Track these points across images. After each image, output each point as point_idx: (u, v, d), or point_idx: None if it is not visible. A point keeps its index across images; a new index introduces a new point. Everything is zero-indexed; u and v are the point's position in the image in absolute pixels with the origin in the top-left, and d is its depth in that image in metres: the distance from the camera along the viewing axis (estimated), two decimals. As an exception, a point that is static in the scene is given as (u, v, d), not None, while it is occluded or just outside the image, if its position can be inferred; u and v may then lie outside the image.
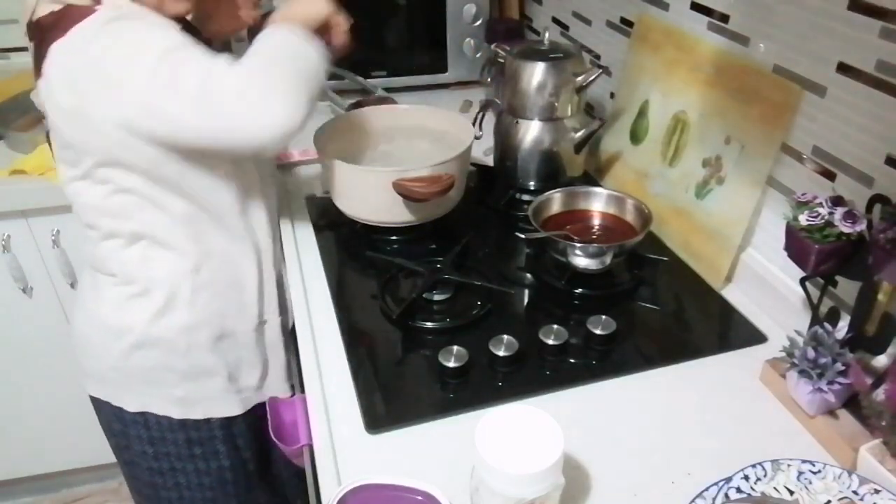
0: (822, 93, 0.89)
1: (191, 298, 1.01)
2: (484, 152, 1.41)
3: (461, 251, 1.12)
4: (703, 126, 1.11)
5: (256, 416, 1.13)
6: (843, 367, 0.77)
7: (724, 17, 1.06)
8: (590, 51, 1.46)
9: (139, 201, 0.95)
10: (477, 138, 1.23)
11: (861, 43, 0.82)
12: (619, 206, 1.14)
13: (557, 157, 1.25)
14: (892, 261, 0.74)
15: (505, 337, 0.92)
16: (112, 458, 1.14)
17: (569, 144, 1.25)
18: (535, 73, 1.20)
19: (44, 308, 1.56)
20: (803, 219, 0.82)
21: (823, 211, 0.81)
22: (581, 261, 1.04)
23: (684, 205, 1.14)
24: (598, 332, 0.94)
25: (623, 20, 1.34)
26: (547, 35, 1.25)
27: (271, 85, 0.85)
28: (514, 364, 0.91)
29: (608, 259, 1.03)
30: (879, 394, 0.75)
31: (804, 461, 0.75)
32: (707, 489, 0.73)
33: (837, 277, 0.85)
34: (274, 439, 1.03)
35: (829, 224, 0.81)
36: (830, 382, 0.77)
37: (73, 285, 1.54)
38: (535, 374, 0.92)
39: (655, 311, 1.05)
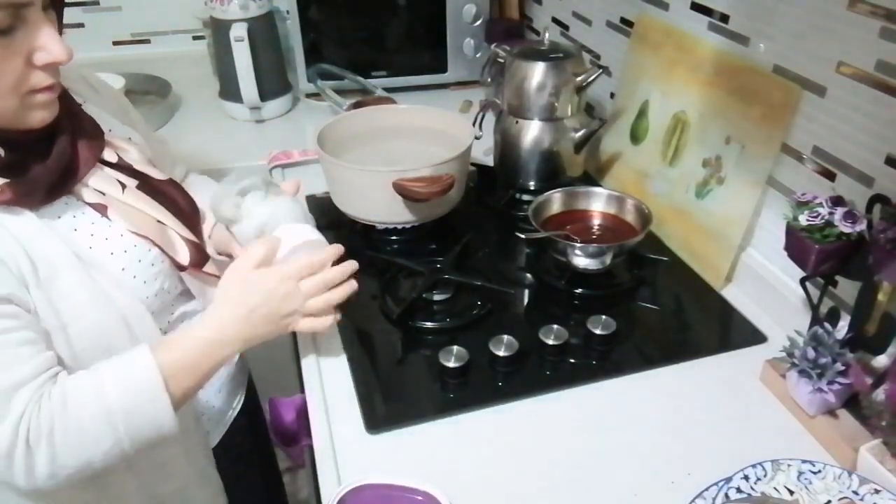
0: (822, 93, 0.89)
1: None
2: (484, 152, 1.41)
3: (461, 251, 1.12)
4: (703, 126, 1.11)
5: None
6: (843, 367, 0.77)
7: (724, 17, 1.06)
8: (590, 51, 1.46)
9: None
10: (477, 138, 1.23)
11: (861, 43, 0.82)
12: (619, 206, 1.14)
13: (557, 157, 1.25)
14: (892, 261, 0.74)
15: (505, 337, 0.92)
16: None
17: (569, 144, 1.24)
18: (535, 73, 1.20)
19: None
20: (803, 219, 0.82)
21: (823, 211, 0.81)
22: (581, 261, 1.04)
23: (684, 205, 1.14)
24: (598, 332, 0.94)
25: (623, 20, 1.34)
26: (547, 35, 1.25)
27: (59, 454, 0.66)
28: (514, 364, 0.91)
29: (608, 259, 1.03)
30: (879, 394, 0.75)
31: (804, 461, 0.75)
32: (707, 489, 0.73)
33: (837, 277, 0.85)
34: (274, 439, 1.03)
35: (829, 224, 0.81)
36: (830, 382, 0.77)
37: None
38: (535, 374, 0.92)
39: (655, 311, 1.05)
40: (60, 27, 0.73)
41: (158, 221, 0.82)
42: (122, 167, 0.82)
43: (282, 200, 0.90)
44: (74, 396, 0.68)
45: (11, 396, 0.66)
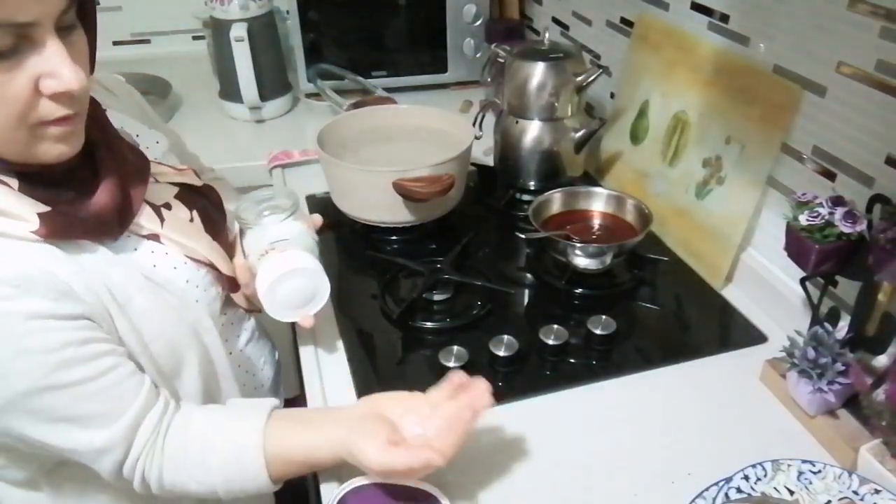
0: (822, 93, 0.89)
1: None
2: (484, 152, 1.41)
3: (461, 251, 1.12)
4: (703, 126, 1.11)
5: None
6: (843, 367, 0.77)
7: (724, 17, 1.06)
8: (590, 51, 1.46)
9: None
10: (477, 138, 1.23)
11: (861, 43, 0.82)
12: (619, 206, 1.14)
13: (557, 157, 1.25)
14: (892, 261, 0.74)
15: (505, 337, 0.92)
16: None
17: (569, 144, 1.24)
18: (535, 73, 1.20)
19: None
20: (803, 219, 0.82)
21: (823, 211, 0.81)
22: (581, 261, 1.04)
23: (684, 205, 1.14)
24: (598, 332, 0.94)
25: (623, 20, 1.34)
26: (547, 35, 1.25)
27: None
28: (514, 364, 0.91)
29: (608, 259, 1.03)
30: (879, 394, 0.75)
31: (804, 461, 0.75)
32: (707, 489, 0.73)
33: (837, 277, 0.85)
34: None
35: (830, 224, 0.81)
36: (830, 382, 0.77)
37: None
38: (535, 374, 0.92)
39: (655, 311, 1.05)
40: (93, 46, 0.68)
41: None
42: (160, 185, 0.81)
43: (299, 226, 0.91)
44: (184, 466, 0.71)
45: (136, 432, 0.69)
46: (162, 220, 0.77)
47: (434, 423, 0.72)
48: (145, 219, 0.76)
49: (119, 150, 0.76)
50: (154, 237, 0.77)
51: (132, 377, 0.70)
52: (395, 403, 0.76)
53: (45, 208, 0.66)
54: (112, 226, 0.72)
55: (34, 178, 0.67)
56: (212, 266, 0.82)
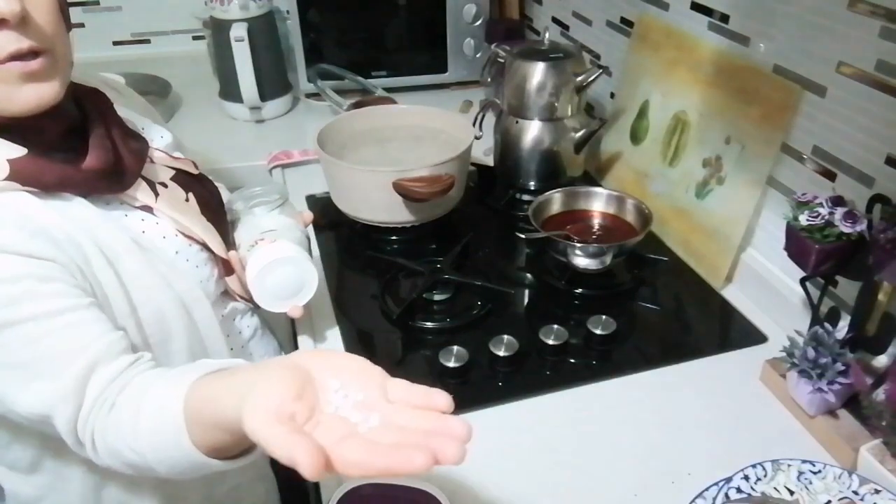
0: (822, 93, 0.89)
1: None
2: (484, 152, 1.40)
3: (461, 251, 1.12)
4: (703, 126, 1.11)
5: None
6: (843, 367, 0.77)
7: (724, 17, 1.06)
8: (590, 51, 1.46)
9: None
10: (477, 138, 1.23)
11: (861, 43, 0.82)
12: (619, 206, 1.14)
13: (557, 157, 1.25)
14: (892, 261, 0.74)
15: (505, 337, 0.92)
16: None
17: (569, 144, 1.24)
18: (535, 73, 1.20)
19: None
20: (803, 219, 0.82)
21: (823, 211, 0.81)
22: (581, 261, 1.04)
23: (684, 205, 1.14)
24: (598, 332, 0.94)
25: (623, 20, 1.34)
26: (547, 35, 1.25)
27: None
28: (514, 364, 0.91)
29: (608, 259, 1.03)
30: (879, 394, 0.75)
31: (804, 461, 0.75)
32: (707, 489, 0.73)
33: (837, 277, 0.85)
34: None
35: (830, 224, 0.81)
36: (830, 382, 0.77)
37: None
38: (535, 374, 0.92)
39: (655, 311, 1.05)
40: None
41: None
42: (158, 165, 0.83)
43: (287, 218, 0.92)
44: (121, 428, 0.63)
45: (87, 383, 0.63)
46: (156, 194, 0.78)
47: (372, 425, 0.49)
48: (140, 192, 0.77)
49: (115, 122, 0.77)
50: (147, 209, 0.78)
51: (95, 324, 0.65)
52: (335, 372, 0.53)
53: (21, 152, 0.66)
54: (101, 184, 0.72)
55: (22, 138, 0.67)
56: (205, 245, 0.82)
